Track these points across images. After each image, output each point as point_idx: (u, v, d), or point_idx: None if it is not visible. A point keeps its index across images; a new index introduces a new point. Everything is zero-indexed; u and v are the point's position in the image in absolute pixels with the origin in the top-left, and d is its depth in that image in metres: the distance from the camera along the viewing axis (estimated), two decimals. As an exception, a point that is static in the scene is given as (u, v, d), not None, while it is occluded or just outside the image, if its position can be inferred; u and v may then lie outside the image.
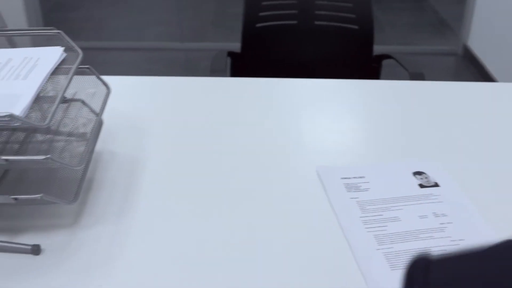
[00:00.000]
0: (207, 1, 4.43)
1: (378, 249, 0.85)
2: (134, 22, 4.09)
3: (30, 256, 0.83)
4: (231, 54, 1.90)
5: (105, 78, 1.03)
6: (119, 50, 3.67)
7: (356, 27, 1.89)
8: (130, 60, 3.56)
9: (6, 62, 0.92)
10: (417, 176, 1.01)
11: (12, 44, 1.00)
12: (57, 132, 0.96)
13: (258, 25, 1.89)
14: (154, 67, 3.48)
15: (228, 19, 4.13)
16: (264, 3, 1.87)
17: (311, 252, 0.84)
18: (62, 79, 0.92)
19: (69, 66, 0.95)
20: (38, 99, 0.84)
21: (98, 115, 0.96)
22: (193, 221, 0.90)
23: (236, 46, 1.99)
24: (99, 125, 0.94)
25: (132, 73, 3.45)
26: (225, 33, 3.90)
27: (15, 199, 0.80)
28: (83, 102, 1.00)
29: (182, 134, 1.12)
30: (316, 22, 1.93)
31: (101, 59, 3.51)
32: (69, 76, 0.89)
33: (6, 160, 0.77)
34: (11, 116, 0.73)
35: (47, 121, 0.77)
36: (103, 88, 1.01)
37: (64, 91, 0.85)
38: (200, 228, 0.88)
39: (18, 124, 0.75)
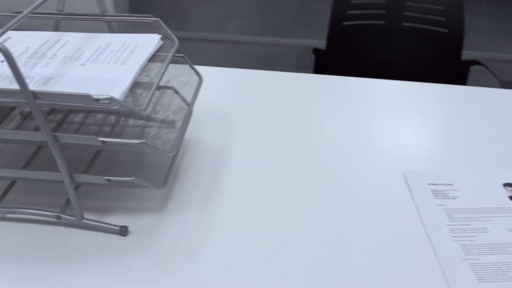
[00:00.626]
0: (290, -3, 4.43)
1: (465, 259, 0.83)
2: (216, 13, 4.13)
3: (117, 236, 0.86)
4: (315, 51, 1.89)
5: (198, 67, 1.05)
6: (199, 41, 3.72)
7: (445, 30, 1.85)
8: (210, 51, 3.60)
9: (105, 46, 0.94)
10: (508, 187, 0.98)
11: (111, 29, 1.02)
12: (149, 118, 0.98)
13: (345, 23, 1.87)
14: (233, 60, 3.51)
15: (310, 15, 4.12)
16: (353, 1, 1.86)
17: (395, 257, 0.83)
18: (157, 66, 0.94)
19: (165, 54, 0.97)
20: (134, 85, 0.86)
21: (190, 104, 0.97)
22: (276, 216, 0.90)
23: (316, 43, 1.98)
24: (189, 113, 0.95)
25: (210, 64, 3.48)
26: (306, 29, 3.89)
27: (108, 180, 0.82)
28: (175, 90, 1.02)
29: (267, 127, 1.13)
30: (404, 24, 1.90)
31: (181, 49, 3.57)
32: (165, 64, 0.90)
33: (103, 142, 0.79)
34: (111, 99, 0.75)
35: (144, 106, 0.79)
36: (196, 77, 1.02)
37: (160, 78, 0.86)
38: (283, 223, 0.88)
39: (116, 107, 0.77)
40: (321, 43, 1.92)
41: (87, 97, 0.75)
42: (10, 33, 1.01)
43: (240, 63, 3.46)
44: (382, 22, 1.89)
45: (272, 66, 3.42)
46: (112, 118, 1.02)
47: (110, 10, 3.55)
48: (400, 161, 1.04)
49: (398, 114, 1.20)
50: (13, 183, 0.93)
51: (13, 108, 1.02)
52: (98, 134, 0.91)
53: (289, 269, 0.80)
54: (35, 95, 0.76)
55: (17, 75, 0.73)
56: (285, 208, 0.92)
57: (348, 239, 0.86)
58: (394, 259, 0.82)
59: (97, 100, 0.75)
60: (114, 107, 0.77)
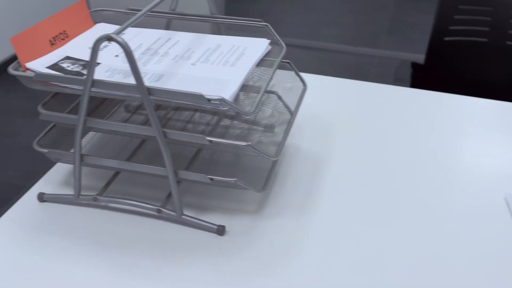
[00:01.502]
0: (385, 8, 4.38)
1: None
2: (310, 21, 4.13)
3: (214, 235, 0.87)
4: (413, 65, 1.85)
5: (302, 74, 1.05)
6: (292, 47, 3.73)
7: (553, 51, 1.77)
8: (302, 58, 3.61)
9: (215, 47, 0.96)
10: None
11: (220, 31, 1.04)
12: (251, 121, 0.99)
13: (447, 38, 1.83)
14: (324, 68, 3.50)
15: (404, 27, 4.05)
16: (457, 17, 1.81)
17: (496, 285, 0.80)
18: (265, 70, 0.94)
19: (272, 59, 0.97)
20: (242, 87, 0.87)
21: (293, 111, 0.97)
22: (371, 227, 0.89)
23: (411, 56, 1.95)
24: (292, 120, 0.95)
25: (301, 70, 3.49)
26: (400, 41, 3.83)
27: (211, 179, 0.83)
28: (279, 96, 1.02)
29: (364, 138, 1.12)
30: (508, 42, 1.84)
31: (274, 54, 3.59)
32: (273, 68, 0.91)
33: (210, 141, 0.81)
34: (222, 100, 0.76)
35: (252, 109, 0.80)
36: (300, 84, 1.03)
37: (268, 83, 0.87)
38: (378, 234, 0.87)
39: (225, 108, 0.78)
40: (416, 57, 1.89)
41: (200, 97, 0.76)
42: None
43: (331, 71, 3.45)
44: (485, 39, 1.83)
45: (363, 76, 3.39)
46: (214, 118, 1.03)
47: (206, 12, 3.62)
48: (502, 185, 1.01)
49: (500, 135, 1.16)
50: (116, 173, 0.96)
51: (118, 101, 1.05)
52: (203, 133, 0.93)
53: (382, 281, 0.79)
54: (150, 91, 0.78)
55: (135, 70, 0.76)
56: (381, 220, 0.90)
57: (442, 263, 0.84)
58: (491, 285, 0.80)
59: (209, 100, 0.76)
60: (223, 108, 0.78)
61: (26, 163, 2.61)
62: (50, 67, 0.89)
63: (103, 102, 1.01)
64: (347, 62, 3.58)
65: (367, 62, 3.57)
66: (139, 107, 1.04)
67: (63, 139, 0.98)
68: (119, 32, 0.76)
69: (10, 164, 2.61)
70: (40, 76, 0.83)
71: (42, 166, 2.58)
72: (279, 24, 4.07)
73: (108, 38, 0.75)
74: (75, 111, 0.95)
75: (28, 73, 0.85)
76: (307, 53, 3.66)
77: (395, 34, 3.96)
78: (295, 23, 4.10)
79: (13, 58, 3.41)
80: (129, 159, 0.97)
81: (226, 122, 1.02)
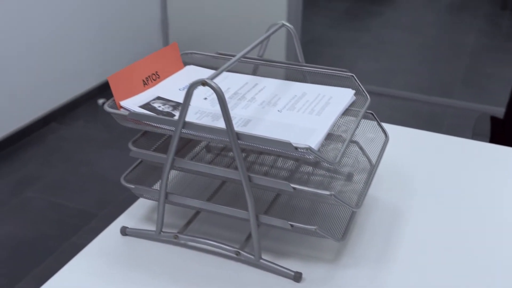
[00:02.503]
0: (461, 57, 4.33)
1: None
2: (383, 67, 4.13)
3: (290, 281, 0.87)
4: (492, 119, 1.83)
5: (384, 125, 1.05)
6: (364, 93, 3.73)
7: None
8: (373, 104, 3.60)
9: (301, 95, 0.98)
10: None
11: (305, 79, 1.06)
12: (333, 170, 1.00)
13: (529, 93, 1.80)
14: (396, 115, 3.48)
15: (481, 78, 3.99)
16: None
17: None
18: (348, 120, 0.95)
19: (356, 109, 0.98)
20: (326, 136, 0.89)
21: (375, 163, 0.97)
22: (449, 281, 0.87)
23: (486, 108, 1.92)
24: (374, 171, 0.96)
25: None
26: (476, 92, 3.77)
27: (291, 225, 0.84)
28: (360, 146, 1.03)
29: (443, 192, 1.10)
30: None
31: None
32: (358, 119, 0.92)
33: (294, 188, 0.82)
34: (309, 149, 0.78)
35: (337, 159, 0.81)
36: (382, 135, 1.03)
37: (353, 134, 0.88)
38: (459, 296, 0.86)
39: (311, 157, 0.79)
40: (493, 109, 1.86)
41: (287, 144, 0.78)
42: (211, 72, 1.08)
43: (403, 119, 3.42)
44: None
45: (436, 126, 3.34)
46: (294, 163, 1.05)
47: (282, 55, 3.68)
48: None
49: None
50: (197, 213, 0.98)
51: (201, 141, 1.08)
52: (283, 178, 0.94)
53: None
54: (238, 135, 0.80)
55: (226, 116, 0.78)
56: (459, 274, 0.89)
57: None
58: None
59: (296, 148, 0.78)
60: (309, 156, 0.80)
61: (99, 192, 2.69)
62: (143, 106, 0.93)
63: (189, 142, 1.04)
64: (420, 111, 3.55)
65: (441, 112, 3.53)
66: (223, 148, 1.06)
67: (147, 175, 1.01)
68: (212, 78, 0.79)
69: (83, 192, 2.69)
70: (134, 115, 0.87)
71: (114, 196, 2.65)
72: (352, 69, 4.09)
73: (203, 83, 0.78)
74: (161, 149, 0.98)
75: (122, 111, 0.89)
76: (379, 100, 3.65)
77: (471, 84, 3.90)
78: (368, 69, 4.11)
79: (90, 92, 3.54)
80: (210, 199, 0.99)
81: (306, 167, 1.03)
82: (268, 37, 1.01)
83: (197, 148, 1.07)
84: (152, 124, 0.87)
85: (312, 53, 4.32)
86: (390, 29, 4.96)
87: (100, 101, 3.51)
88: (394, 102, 3.65)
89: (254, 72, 1.10)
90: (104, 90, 3.63)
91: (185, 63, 1.11)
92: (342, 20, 5.21)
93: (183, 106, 0.81)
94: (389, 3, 5.72)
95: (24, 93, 3.05)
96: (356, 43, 4.62)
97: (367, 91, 3.74)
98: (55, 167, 2.89)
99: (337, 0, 5.82)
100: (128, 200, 2.63)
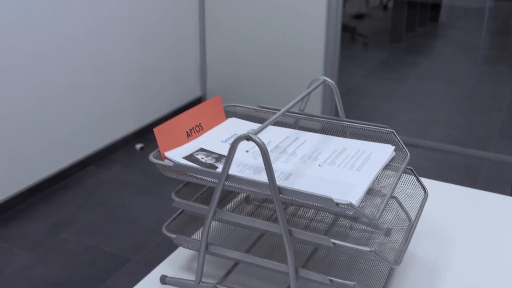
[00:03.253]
0: (498, 110, 4.31)
1: None
2: (419, 119, 4.13)
3: (328, 336, 0.87)
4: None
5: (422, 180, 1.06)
6: (399, 143, 3.72)
7: None
8: (410, 156, 3.58)
9: (341, 150, 1.00)
10: None
11: (345, 133, 1.07)
12: (372, 225, 1.00)
13: None
14: (432, 167, 3.46)
15: (518, 132, 3.96)
16: None
17: None
18: (388, 175, 0.96)
19: (395, 165, 0.99)
20: (366, 192, 0.90)
21: (413, 218, 0.98)
22: None
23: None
24: (414, 228, 0.96)
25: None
26: (513, 146, 3.74)
27: (330, 280, 0.85)
28: (399, 201, 1.03)
29: (483, 250, 1.09)
30: None
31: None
32: (398, 175, 0.93)
33: (334, 243, 0.82)
34: (350, 205, 0.79)
35: (377, 216, 0.81)
36: (421, 191, 1.04)
37: (393, 190, 0.89)
38: None
39: (351, 213, 0.80)
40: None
41: (328, 200, 0.79)
42: (253, 125, 1.10)
43: (438, 171, 3.40)
44: None
45: (473, 179, 3.31)
46: (333, 216, 1.05)
47: (318, 106, 3.71)
48: None
49: None
50: (236, 263, 0.99)
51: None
52: (325, 233, 0.95)
53: None
54: (280, 190, 0.82)
55: (269, 170, 0.80)
56: None
57: None
58: None
59: (337, 204, 0.79)
60: (349, 212, 0.81)
61: (134, 236, 2.71)
62: (186, 158, 0.95)
63: (230, 193, 1.06)
64: (456, 163, 3.52)
65: (477, 165, 3.50)
66: (264, 200, 1.07)
67: (187, 225, 1.03)
68: (256, 133, 0.82)
69: (119, 236, 2.72)
70: (178, 167, 0.89)
71: (149, 241, 2.67)
72: (388, 120, 4.09)
73: (247, 138, 0.80)
74: (202, 199, 1.00)
75: (167, 162, 0.91)
76: (414, 151, 3.64)
77: (508, 137, 3.87)
78: (403, 120, 4.11)
79: (128, 137, 3.60)
80: (249, 250, 1.00)
81: (344, 222, 1.03)
82: (310, 92, 1.03)
83: (237, 199, 1.09)
84: (196, 175, 0.89)
85: (349, 104, 4.34)
86: (426, 80, 4.97)
87: (138, 146, 3.57)
88: (430, 154, 3.63)
89: (295, 126, 1.12)
90: (141, 135, 3.69)
91: (227, 114, 1.14)
92: (378, 70, 5.24)
93: (227, 160, 0.83)
94: (426, 54, 5.75)
95: (64, 136, 3.12)
96: (392, 94, 4.63)
97: (403, 142, 3.73)
98: (91, 210, 2.93)
99: (373, 51, 5.87)
100: (163, 245, 2.64)
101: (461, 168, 3.47)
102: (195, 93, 4.15)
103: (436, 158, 3.59)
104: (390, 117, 4.17)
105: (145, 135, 3.73)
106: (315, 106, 3.69)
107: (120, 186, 3.16)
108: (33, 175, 2.99)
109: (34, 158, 2.97)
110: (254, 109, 1.13)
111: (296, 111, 1.11)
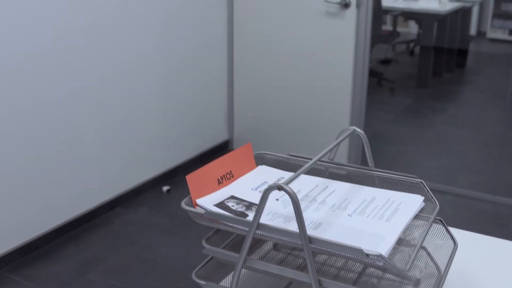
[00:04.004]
0: (527, 158, 4.27)
1: None
2: (446, 165, 4.10)
3: None
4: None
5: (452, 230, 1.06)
6: (426, 189, 3.70)
7: None
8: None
9: (371, 200, 1.00)
10: None
11: (374, 182, 1.08)
12: (403, 275, 1.00)
13: None
14: (460, 215, 3.42)
15: (548, 180, 3.91)
16: None
17: None
18: (417, 226, 0.97)
19: (424, 215, 1.00)
20: (396, 242, 0.90)
21: (443, 269, 0.98)
22: None
23: None
24: (442, 279, 0.96)
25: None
26: (543, 194, 3.68)
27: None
28: (428, 252, 1.03)
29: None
30: None
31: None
32: (427, 226, 0.93)
33: (364, 294, 0.83)
34: (380, 256, 0.79)
35: (407, 267, 0.82)
36: (450, 242, 1.04)
37: (423, 241, 0.89)
38: None
39: (381, 263, 0.81)
40: None
41: (359, 251, 0.80)
42: (283, 173, 1.12)
43: (466, 219, 3.36)
44: None
45: (502, 227, 3.27)
46: (361, 265, 1.05)
47: (345, 154, 3.72)
48: None
49: None
50: (264, 312, 1.00)
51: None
52: (354, 283, 0.95)
53: None
54: (310, 239, 0.82)
55: (300, 220, 0.81)
56: None
57: None
58: None
59: (367, 255, 0.79)
60: (379, 263, 0.81)
61: (160, 278, 2.72)
62: (217, 205, 0.97)
63: (259, 241, 1.07)
64: (485, 211, 3.48)
65: (506, 213, 3.46)
66: (293, 248, 1.08)
67: (216, 271, 1.03)
68: (288, 183, 0.83)
69: (145, 277, 2.73)
70: (210, 214, 0.91)
71: (175, 283, 2.67)
72: (414, 166, 4.08)
73: (279, 188, 0.82)
74: (231, 246, 1.01)
75: (198, 210, 0.93)
76: (442, 198, 3.61)
77: (537, 186, 3.82)
78: (431, 166, 4.09)
79: (155, 179, 3.64)
80: (277, 298, 1.00)
81: (373, 271, 1.04)
82: (340, 142, 1.04)
83: (266, 245, 1.09)
84: (227, 223, 0.91)
85: (375, 149, 4.34)
86: (453, 126, 4.95)
87: (165, 188, 3.60)
88: (458, 201, 3.60)
89: (324, 174, 1.13)
90: (168, 177, 3.73)
91: (257, 161, 1.16)
92: (405, 116, 5.25)
93: (258, 209, 0.84)
94: (452, 100, 5.74)
95: (92, 178, 3.17)
96: (419, 139, 4.62)
97: (430, 188, 3.71)
98: (118, 251, 2.95)
99: (400, 96, 5.88)
100: (188, 288, 2.65)
101: (490, 215, 3.43)
102: (222, 137, 4.19)
103: (464, 205, 3.56)
104: (417, 163, 4.15)
105: (172, 177, 3.76)
106: (342, 151, 3.70)
107: (146, 228, 3.18)
108: (61, 215, 3.03)
109: (63, 198, 3.01)
110: (284, 157, 1.15)
111: (325, 159, 1.12)
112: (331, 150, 1.12)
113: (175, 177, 3.78)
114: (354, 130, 1.08)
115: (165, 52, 3.50)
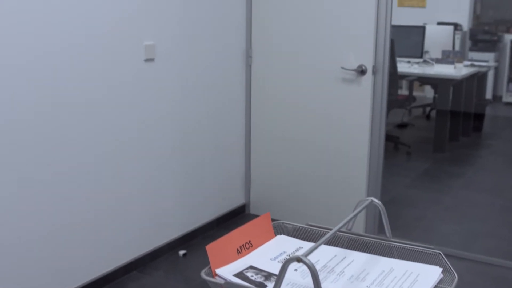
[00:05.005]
0: (547, 224, 4.22)
1: None
2: (465, 230, 4.07)
3: None
4: None
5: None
6: (444, 256, 3.65)
7: None
8: (454, 268, 3.51)
9: (389, 271, 1.01)
10: None
11: (392, 253, 1.09)
12: None
13: None
14: (478, 281, 3.37)
15: None
16: None
17: None
18: (436, 299, 0.97)
19: (443, 286, 1.00)
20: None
21: None
22: None
23: None
24: None
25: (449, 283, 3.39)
26: None
27: None
28: (448, 324, 1.03)
29: None
30: None
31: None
32: (446, 299, 0.93)
33: None
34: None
35: None
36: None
37: (442, 313, 0.89)
38: None
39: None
40: None
41: (378, 324, 0.80)
42: (301, 243, 1.13)
43: (485, 286, 3.31)
44: None
45: (523, 296, 3.21)
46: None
47: (361, 223, 3.70)
48: None
49: None
50: None
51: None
52: None
53: None
54: (329, 312, 0.83)
55: (319, 292, 0.82)
56: None
57: None
58: None
59: (386, 328, 0.80)
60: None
61: None
62: (236, 275, 0.98)
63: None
64: (503, 277, 3.43)
65: (526, 280, 3.40)
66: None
67: None
68: (307, 255, 0.84)
69: None
70: (229, 285, 0.92)
71: None
72: (432, 232, 4.05)
73: (298, 260, 0.83)
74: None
75: (218, 280, 0.94)
76: (460, 264, 3.57)
77: (558, 252, 3.77)
78: (449, 231, 4.05)
79: (171, 243, 3.64)
80: None
81: None
82: (358, 213, 1.06)
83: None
84: (246, 294, 0.91)
85: (392, 214, 4.32)
86: (471, 191, 4.93)
87: (181, 252, 3.59)
88: (476, 267, 3.55)
89: (342, 244, 1.14)
90: (185, 241, 3.73)
91: (276, 230, 1.17)
92: (422, 180, 5.24)
93: (277, 281, 0.85)
94: (470, 164, 5.73)
95: (108, 242, 3.18)
96: (436, 204, 4.60)
97: (447, 254, 3.67)
98: (133, 316, 2.92)
99: (417, 160, 5.88)
100: None
101: (509, 282, 3.37)
102: (239, 201, 4.20)
103: (482, 271, 3.50)
104: (434, 228, 4.12)
105: (188, 241, 3.76)
106: (359, 219, 3.68)
107: (162, 293, 3.16)
108: (76, 279, 3.02)
109: (77, 262, 3.01)
110: (302, 227, 1.16)
111: (343, 229, 1.14)
112: (349, 221, 1.14)
113: (192, 241, 3.78)
114: (372, 200, 1.09)
115: (183, 116, 3.56)
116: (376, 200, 1.06)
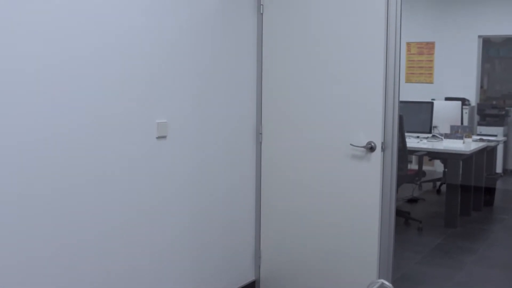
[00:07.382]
0: None
1: None
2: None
3: None
4: None
5: None
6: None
7: None
8: None
9: None
10: None
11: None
12: None
13: None
14: None
15: None
16: None
17: None
18: None
19: None
20: None
21: None
22: None
23: None
24: None
25: None
26: None
27: None
28: None
29: None
30: None
31: None
32: None
33: None
34: None
35: None
36: None
37: None
38: None
39: None
40: None
41: None
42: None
43: None
44: None
45: None
46: None
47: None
48: None
49: None
50: None
51: None
52: None
53: None
54: None
55: None
56: None
57: None
58: None
59: None
60: None
61: None
62: None
63: None
64: None
65: None
66: None
67: None
68: None
69: None
70: None
71: None
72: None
73: None
74: None
75: None
76: None
77: None
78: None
79: None
80: None
81: None
82: (368, 297, 1.06)
83: None
84: None
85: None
86: (484, 267, 4.86)
87: (191, 330, 3.54)
88: None
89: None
90: (195, 319, 3.68)
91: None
92: (433, 256, 5.18)
93: None
94: (482, 239, 5.68)
95: (120, 320, 3.14)
96: (448, 280, 4.53)
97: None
98: None
99: (428, 236, 5.83)
100: None
101: None
102: (249, 277, 4.16)
103: None
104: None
105: (198, 319, 3.71)
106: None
107: None
108: None
109: None
110: None
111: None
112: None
113: (201, 319, 3.73)
114: (383, 283, 1.10)
115: (194, 192, 3.58)
116: (387, 283, 1.07)
